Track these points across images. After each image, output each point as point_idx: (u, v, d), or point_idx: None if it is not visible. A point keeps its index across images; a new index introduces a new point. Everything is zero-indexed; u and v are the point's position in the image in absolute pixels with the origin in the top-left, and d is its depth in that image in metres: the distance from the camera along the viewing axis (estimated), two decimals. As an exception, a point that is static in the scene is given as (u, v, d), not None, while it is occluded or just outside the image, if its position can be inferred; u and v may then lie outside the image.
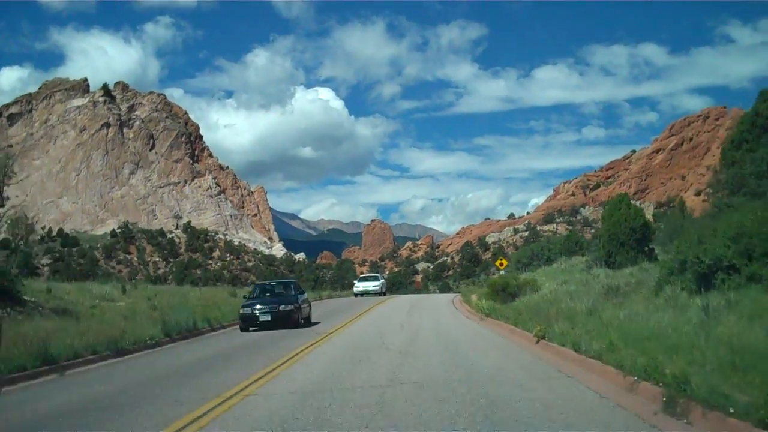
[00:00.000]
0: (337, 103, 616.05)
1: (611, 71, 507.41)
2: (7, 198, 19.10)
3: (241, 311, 20.02)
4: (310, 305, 22.75)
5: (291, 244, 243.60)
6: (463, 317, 22.00)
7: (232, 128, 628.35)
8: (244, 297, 22.44)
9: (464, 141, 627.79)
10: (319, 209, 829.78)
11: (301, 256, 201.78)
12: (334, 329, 18.08)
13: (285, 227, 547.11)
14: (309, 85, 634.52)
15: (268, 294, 21.78)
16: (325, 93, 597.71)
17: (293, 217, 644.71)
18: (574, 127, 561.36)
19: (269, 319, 19.34)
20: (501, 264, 41.49)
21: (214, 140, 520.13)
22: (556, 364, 9.75)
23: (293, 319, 19.62)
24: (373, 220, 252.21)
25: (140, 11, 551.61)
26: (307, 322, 20.84)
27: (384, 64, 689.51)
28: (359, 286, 44.03)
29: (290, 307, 19.86)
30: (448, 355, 11.72)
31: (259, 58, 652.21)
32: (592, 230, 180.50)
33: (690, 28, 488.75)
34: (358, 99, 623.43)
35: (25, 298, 17.34)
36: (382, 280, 47.95)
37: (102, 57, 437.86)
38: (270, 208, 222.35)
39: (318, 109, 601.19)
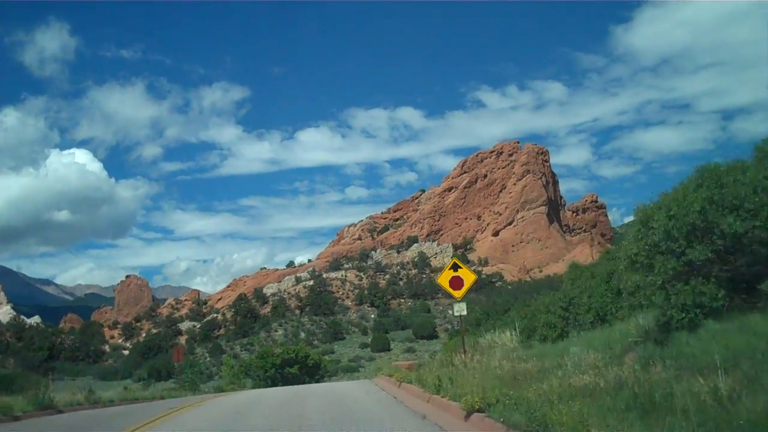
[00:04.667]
0: (95, 165, 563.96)
1: (372, 133, 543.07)
2: None
3: None
4: None
5: (45, 311, 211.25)
6: None
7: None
8: None
9: (229, 202, 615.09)
10: (77, 274, 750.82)
11: (35, 320, 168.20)
12: None
13: (39, 294, 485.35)
14: (64, 147, 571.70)
15: None
16: (81, 155, 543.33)
17: (48, 282, 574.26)
18: (338, 187, 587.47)
19: None
20: (458, 285, 16.76)
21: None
22: None
23: None
24: (128, 276, 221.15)
25: None
26: None
27: (144, 125, 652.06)
28: None
29: None
30: None
31: (9, 117, 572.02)
32: (386, 276, 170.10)
33: (444, 93, 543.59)
34: (118, 161, 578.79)
35: None
36: None
37: None
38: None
39: (74, 172, 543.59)
